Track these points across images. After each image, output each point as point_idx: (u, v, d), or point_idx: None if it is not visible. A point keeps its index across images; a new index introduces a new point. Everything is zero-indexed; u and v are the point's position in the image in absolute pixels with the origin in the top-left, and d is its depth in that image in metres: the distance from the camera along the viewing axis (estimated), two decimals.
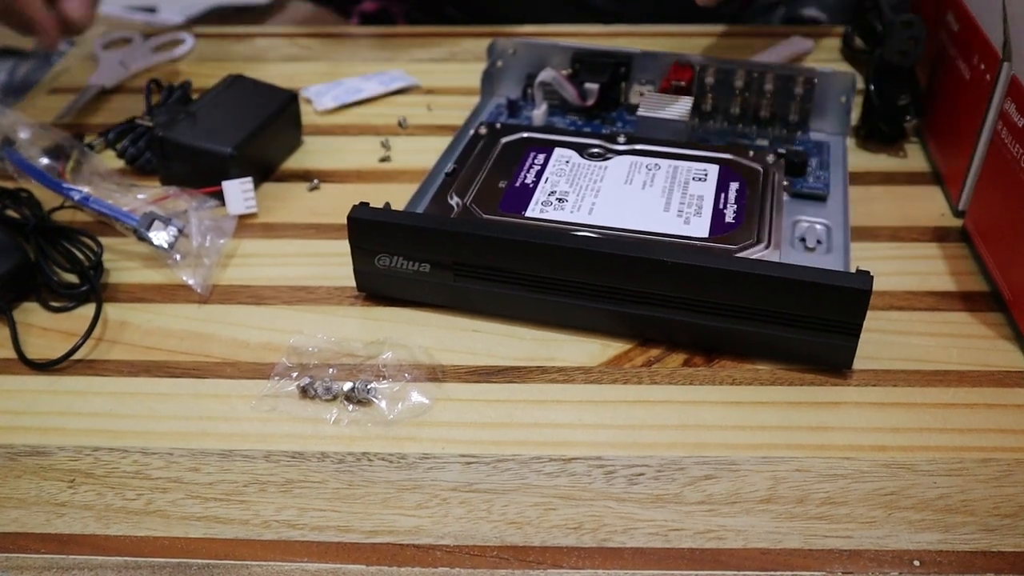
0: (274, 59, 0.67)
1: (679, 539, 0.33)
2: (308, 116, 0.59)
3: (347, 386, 0.39)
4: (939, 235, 0.48)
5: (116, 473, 0.36)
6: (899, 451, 0.36)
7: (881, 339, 0.41)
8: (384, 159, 0.55)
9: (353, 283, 0.44)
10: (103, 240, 0.47)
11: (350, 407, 0.38)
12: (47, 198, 0.51)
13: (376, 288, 0.44)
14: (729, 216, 0.43)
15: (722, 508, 0.34)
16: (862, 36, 0.64)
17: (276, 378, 0.40)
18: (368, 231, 0.42)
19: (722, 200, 0.44)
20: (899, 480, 0.35)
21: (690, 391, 0.39)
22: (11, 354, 0.42)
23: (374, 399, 0.38)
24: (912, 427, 0.37)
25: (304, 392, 0.39)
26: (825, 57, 0.66)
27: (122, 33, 0.70)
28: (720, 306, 0.39)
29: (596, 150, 0.48)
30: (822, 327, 0.39)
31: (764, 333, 0.39)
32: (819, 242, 0.46)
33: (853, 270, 0.39)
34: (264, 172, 0.54)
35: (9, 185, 0.51)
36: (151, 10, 1.42)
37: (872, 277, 0.37)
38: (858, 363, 0.40)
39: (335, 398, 0.39)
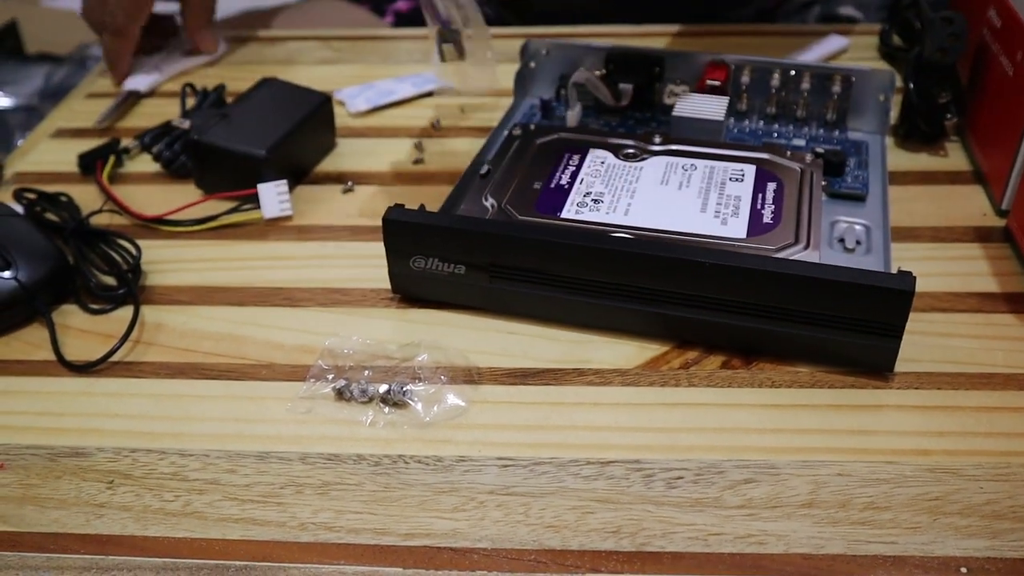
0: (307, 62, 0.67)
1: (719, 544, 0.33)
2: (341, 118, 0.59)
3: (383, 388, 0.39)
4: (982, 235, 0.47)
5: (154, 474, 0.36)
6: (943, 455, 0.35)
7: (923, 341, 0.41)
8: (417, 161, 0.55)
9: (388, 285, 0.44)
10: (141, 242, 0.48)
11: (386, 409, 0.38)
12: (86, 201, 0.52)
13: (411, 290, 0.44)
14: (767, 217, 0.43)
15: (762, 512, 0.34)
16: (900, 34, 0.63)
17: (312, 380, 0.40)
18: (403, 233, 0.42)
19: (759, 200, 0.44)
20: (944, 485, 0.34)
21: (728, 394, 0.39)
22: (50, 356, 0.42)
23: (410, 401, 0.38)
24: (956, 431, 0.36)
25: (340, 394, 0.39)
26: (862, 55, 0.65)
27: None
28: (759, 307, 0.39)
29: (631, 151, 0.48)
30: (863, 329, 0.38)
31: (804, 335, 0.39)
32: (858, 243, 0.45)
33: (894, 271, 0.38)
34: (298, 174, 0.54)
35: (50, 188, 0.52)
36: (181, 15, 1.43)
37: (915, 278, 0.37)
38: (899, 366, 0.39)
39: (371, 400, 0.39)
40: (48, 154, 0.58)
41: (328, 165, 0.56)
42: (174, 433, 0.38)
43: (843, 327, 0.38)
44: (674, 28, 0.69)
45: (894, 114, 0.54)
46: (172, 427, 0.38)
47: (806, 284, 0.38)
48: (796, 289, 0.38)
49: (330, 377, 0.40)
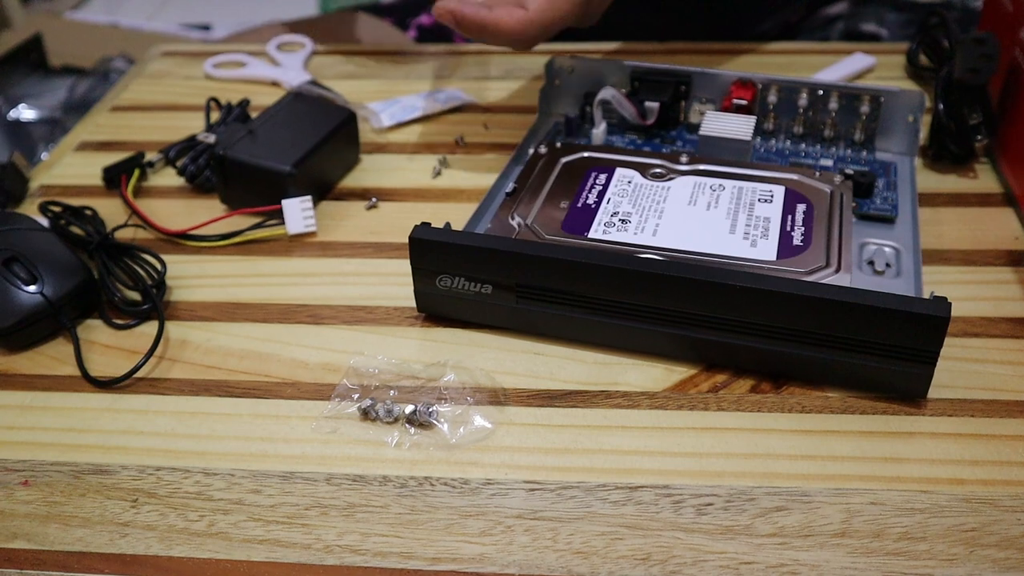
0: (331, 76, 0.67)
1: (750, 573, 0.32)
2: (366, 134, 0.59)
3: (408, 408, 0.38)
4: (1014, 259, 0.47)
5: (178, 493, 0.36)
6: (979, 485, 0.35)
7: (956, 367, 0.40)
8: (438, 174, 0.55)
9: (412, 303, 0.44)
10: (165, 257, 0.48)
11: (412, 430, 0.38)
12: (110, 215, 0.52)
13: (436, 309, 0.44)
14: (796, 239, 0.42)
15: (794, 541, 0.33)
16: (927, 53, 0.63)
17: (337, 399, 0.39)
18: (429, 252, 0.42)
19: (789, 222, 0.43)
20: (980, 516, 0.34)
21: (758, 418, 0.38)
22: (75, 371, 0.42)
23: (436, 422, 0.38)
24: (992, 460, 0.36)
25: (365, 414, 0.39)
26: (888, 75, 0.64)
27: (292, 37, 0.71)
28: (789, 331, 0.38)
29: (658, 170, 0.47)
30: (896, 355, 0.37)
31: (835, 360, 0.38)
32: (888, 265, 0.45)
33: (926, 295, 0.38)
34: (322, 190, 0.54)
35: (74, 201, 0.52)
36: (205, 28, 1.45)
37: (950, 304, 0.36)
38: (932, 392, 0.38)
39: (396, 420, 0.38)
40: (73, 167, 0.58)
41: (352, 181, 0.55)
42: (199, 451, 0.38)
43: (876, 352, 0.38)
44: (698, 45, 0.69)
45: (923, 135, 0.54)
46: (196, 445, 0.38)
47: (838, 308, 0.37)
48: (828, 313, 0.37)
49: (355, 397, 0.39)
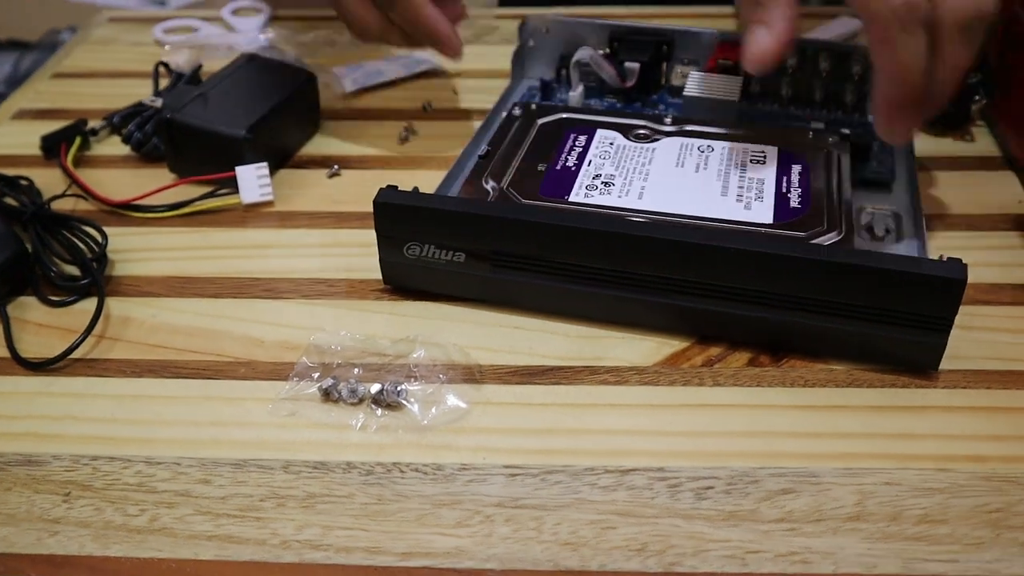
0: (291, 41, 0.63)
1: (758, 563, 0.29)
2: (328, 100, 0.55)
3: (375, 388, 0.35)
4: (1019, 223, 0.44)
5: (117, 485, 0.32)
6: (1000, 462, 0.32)
7: (966, 336, 0.37)
8: (404, 141, 0.51)
9: (378, 275, 0.40)
10: (108, 230, 0.44)
11: (378, 411, 0.34)
12: (49, 186, 0.47)
13: (405, 280, 0.40)
14: (794, 201, 0.39)
15: (805, 527, 0.30)
16: None
17: (295, 379, 0.36)
18: (397, 217, 0.38)
19: (784, 183, 0.40)
20: (1004, 495, 0.31)
21: (758, 393, 0.35)
22: (4, 352, 0.38)
23: (405, 402, 0.34)
24: (1013, 434, 0.33)
25: (327, 395, 0.35)
26: None
27: (248, 1, 0.67)
28: (790, 299, 0.35)
29: (642, 131, 0.44)
30: (907, 322, 0.34)
31: (839, 329, 0.35)
32: (887, 231, 0.42)
33: (933, 257, 0.35)
34: (280, 158, 0.50)
35: (9, 172, 0.48)
36: (161, 2, 1.38)
37: (965, 265, 0.33)
38: (944, 363, 0.35)
39: (361, 401, 0.35)
40: (8, 136, 0.54)
41: (312, 148, 0.52)
42: (141, 438, 0.34)
43: (884, 321, 0.35)
44: (681, 9, 0.66)
45: None
46: (139, 432, 0.34)
47: (843, 272, 0.34)
48: (832, 278, 0.34)
49: (316, 376, 0.36)
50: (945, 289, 0.33)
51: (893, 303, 0.34)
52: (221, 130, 0.46)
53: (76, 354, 0.37)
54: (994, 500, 0.31)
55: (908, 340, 0.35)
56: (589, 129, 0.44)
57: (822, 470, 0.32)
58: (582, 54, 0.51)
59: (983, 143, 0.51)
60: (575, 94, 0.51)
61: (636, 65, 0.51)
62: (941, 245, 0.42)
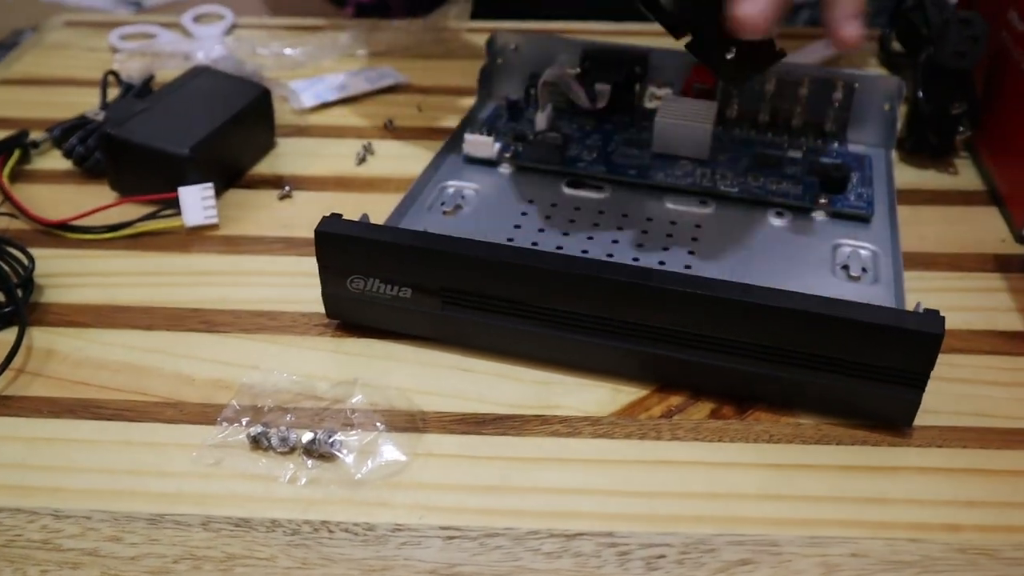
0: (250, 51, 0.60)
1: None
2: (285, 115, 0.53)
3: (306, 436, 0.32)
4: (1001, 264, 0.42)
5: (18, 542, 0.30)
6: (976, 532, 0.30)
7: (943, 388, 0.35)
8: (362, 161, 0.49)
9: (323, 309, 0.38)
10: (36, 252, 0.41)
11: (309, 463, 0.32)
12: None
13: (348, 315, 0.38)
14: None
15: None
16: (902, 39, 0.58)
17: (224, 424, 0.33)
18: (339, 248, 0.36)
19: None
20: (980, 570, 0.29)
21: (719, 450, 0.33)
22: None
23: (339, 453, 0.32)
24: (989, 500, 0.31)
25: (256, 443, 0.32)
26: (860, 59, 0.60)
27: (211, 8, 0.65)
28: (755, 347, 0.33)
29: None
30: (879, 376, 0.32)
31: (808, 381, 0.33)
32: (864, 270, 0.40)
33: (910, 305, 0.33)
34: (229, 177, 0.47)
35: None
36: (136, 3, 1.36)
37: (943, 319, 0.31)
38: (918, 417, 0.33)
39: (292, 451, 0.32)
40: None
41: (265, 167, 0.49)
42: (50, 488, 0.31)
43: (856, 374, 0.32)
44: (657, 27, 0.63)
45: (899, 126, 0.49)
46: (49, 480, 0.32)
47: (813, 322, 0.32)
48: (800, 327, 0.32)
49: (245, 421, 0.33)
50: (921, 344, 0.31)
51: (866, 356, 0.32)
52: (164, 147, 0.44)
53: None
54: (969, 575, 0.28)
55: (881, 395, 0.33)
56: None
57: (784, 538, 0.29)
58: (551, 73, 0.48)
59: (967, 176, 0.48)
60: (543, 115, 0.48)
61: (607, 87, 0.49)
62: (920, 287, 0.40)
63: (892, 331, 0.31)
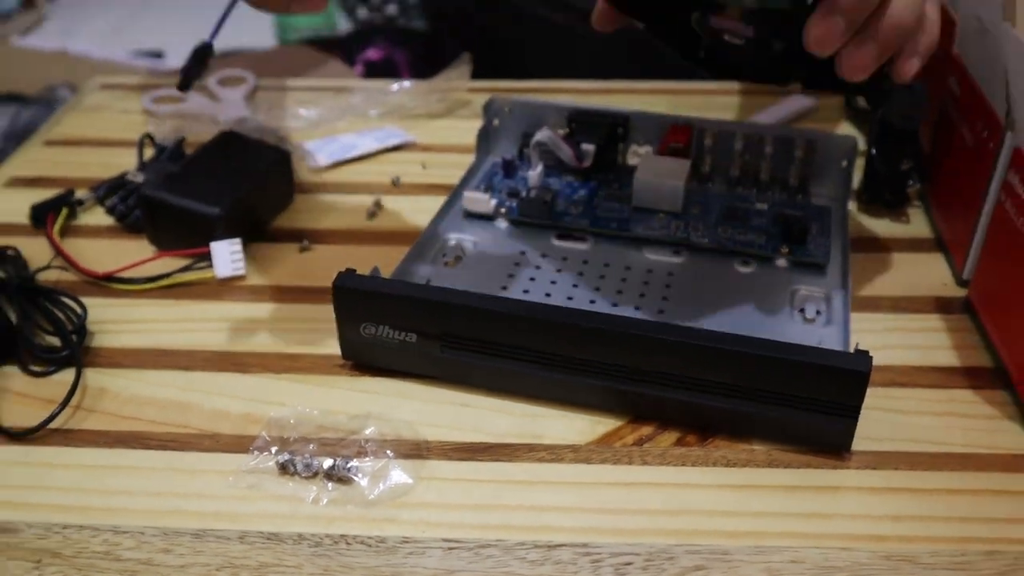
0: (271, 112, 0.66)
1: None
2: (302, 173, 0.58)
3: (327, 463, 0.37)
4: (942, 306, 0.47)
5: (85, 553, 0.35)
6: (899, 542, 0.35)
7: (882, 418, 0.40)
8: (372, 216, 0.55)
9: (339, 351, 0.43)
10: (89, 300, 0.46)
11: (330, 486, 0.37)
12: (37, 255, 0.50)
13: (362, 357, 0.43)
14: None
15: None
16: (865, 95, 0.63)
17: (255, 453, 0.38)
18: (353, 300, 0.41)
19: None
20: (900, 573, 0.33)
21: (682, 473, 0.38)
22: None
23: (354, 477, 0.37)
24: (914, 515, 0.36)
25: (283, 469, 0.38)
26: (829, 116, 0.65)
27: (233, 71, 0.70)
28: (714, 384, 0.38)
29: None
30: (819, 408, 0.37)
31: (760, 413, 0.38)
32: (818, 312, 0.45)
33: (853, 344, 0.38)
34: (254, 230, 0.53)
35: (0, 242, 0.51)
36: (157, 55, 1.43)
37: (871, 358, 0.36)
38: (858, 443, 0.38)
39: (315, 475, 0.37)
40: (1, 204, 0.57)
41: (285, 221, 0.55)
42: (109, 508, 0.37)
43: (799, 406, 0.37)
44: (638, 85, 0.69)
45: (857, 178, 0.54)
46: (107, 501, 0.37)
47: (760, 362, 0.37)
48: (751, 367, 0.37)
49: (274, 450, 0.38)
50: (852, 380, 0.36)
51: (807, 391, 0.37)
52: (197, 208, 0.49)
53: (53, 424, 0.40)
54: None
55: (821, 424, 0.38)
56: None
57: (734, 548, 0.34)
58: (541, 135, 0.54)
59: (917, 224, 0.54)
60: (535, 173, 0.54)
61: (592, 147, 0.54)
62: (867, 327, 0.45)
63: (828, 369, 0.36)
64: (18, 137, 0.82)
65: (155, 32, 1.52)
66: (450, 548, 0.35)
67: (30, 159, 0.62)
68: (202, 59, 0.38)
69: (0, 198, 0.58)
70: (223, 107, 0.66)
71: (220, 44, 0.74)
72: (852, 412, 0.37)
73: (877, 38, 0.39)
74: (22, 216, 0.54)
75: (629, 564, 0.34)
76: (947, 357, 0.44)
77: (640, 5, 0.48)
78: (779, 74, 0.47)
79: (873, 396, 0.37)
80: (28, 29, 1.47)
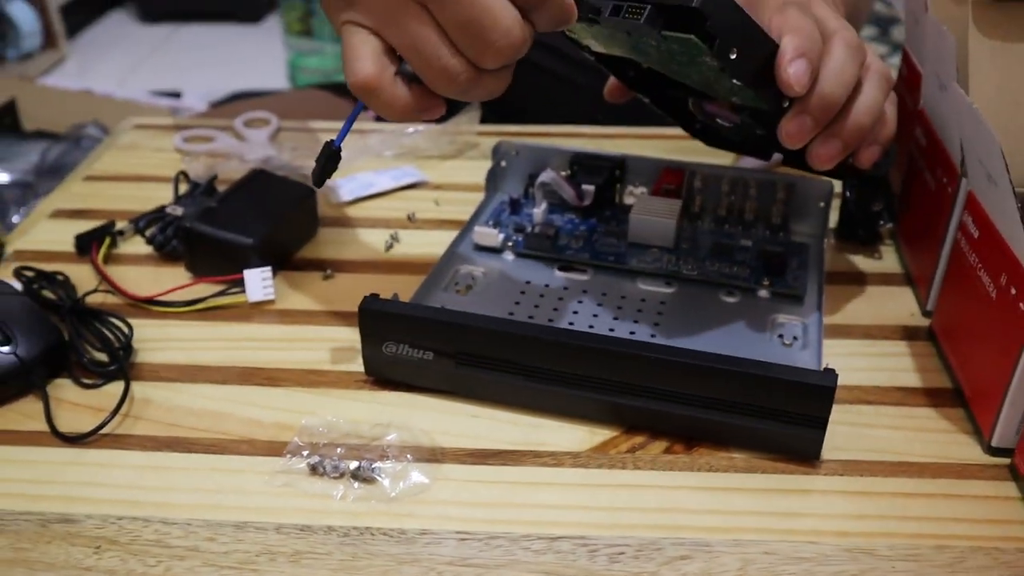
0: (293, 152, 0.71)
1: None
2: (325, 208, 0.63)
3: (353, 465, 0.42)
4: (908, 334, 0.52)
5: (138, 541, 0.39)
6: (860, 537, 0.39)
7: (850, 431, 0.44)
8: (390, 247, 0.59)
9: (362, 367, 0.48)
10: (132, 321, 0.51)
11: (356, 484, 0.42)
12: (81, 280, 0.55)
13: (383, 373, 0.48)
14: None
15: None
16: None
17: (288, 456, 0.43)
18: (377, 321, 0.46)
19: None
20: (860, 564, 0.38)
21: (670, 476, 0.42)
22: (44, 427, 0.45)
23: (378, 477, 0.42)
24: (874, 514, 0.40)
25: (314, 470, 0.42)
26: None
27: (257, 113, 0.75)
28: (699, 398, 0.43)
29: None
30: (792, 420, 0.42)
31: (740, 424, 0.43)
32: (795, 338, 0.50)
33: (824, 367, 0.42)
34: (282, 259, 0.58)
35: (47, 267, 0.55)
36: (176, 95, 1.49)
37: (836, 375, 0.41)
38: (828, 453, 0.43)
39: (342, 476, 0.42)
40: (46, 233, 0.62)
41: (310, 251, 0.60)
42: (158, 502, 0.41)
43: (775, 418, 0.42)
44: (636, 131, 0.74)
45: (834, 217, 0.59)
46: (156, 497, 0.41)
47: (740, 379, 0.42)
48: (732, 383, 0.42)
49: (305, 453, 0.43)
50: (820, 394, 0.41)
51: (781, 404, 0.42)
52: (232, 238, 0.54)
53: (105, 430, 0.45)
54: (851, 568, 0.38)
55: (794, 435, 0.42)
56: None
57: (714, 541, 0.39)
58: (545, 177, 0.59)
59: (889, 260, 0.59)
60: (539, 211, 0.59)
61: (592, 187, 0.59)
62: (838, 351, 0.50)
63: (799, 386, 0.41)
64: (48, 172, 0.87)
65: (172, 70, 1.58)
66: (463, 539, 0.39)
67: (72, 193, 0.67)
68: (333, 159, 0.43)
69: (46, 228, 0.63)
70: (249, 147, 0.71)
71: (238, 85, 0.79)
72: (821, 423, 0.42)
73: (842, 136, 0.46)
74: (67, 245, 0.59)
75: (621, 554, 0.38)
76: (911, 379, 0.48)
77: (646, 86, 0.54)
78: (762, 151, 0.53)
79: (842, 412, 0.42)
80: (50, 68, 1.53)
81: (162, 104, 1.29)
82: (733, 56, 0.42)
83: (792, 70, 0.42)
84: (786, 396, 0.41)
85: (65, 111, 1.14)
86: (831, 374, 0.41)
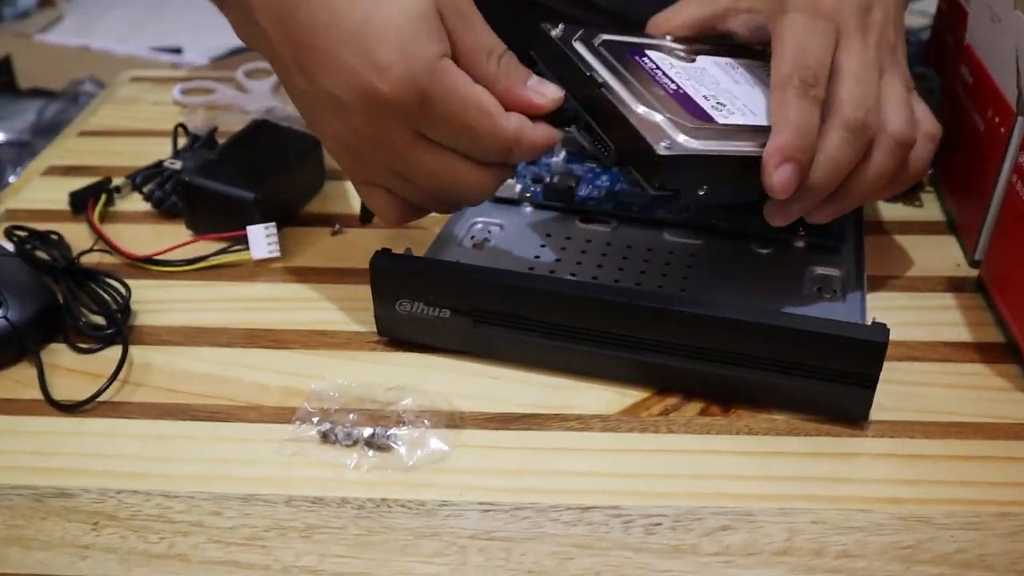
0: None
1: None
2: (329, 159, 0.60)
3: (367, 432, 0.39)
4: (954, 285, 0.49)
5: (139, 516, 0.37)
6: (915, 504, 0.36)
7: (897, 390, 0.41)
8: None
9: (373, 328, 0.45)
10: (131, 282, 0.48)
11: (370, 453, 0.39)
12: (77, 240, 0.52)
13: (396, 333, 0.45)
14: None
15: (739, 560, 0.34)
16: None
17: (298, 423, 0.40)
18: (389, 278, 0.43)
19: None
20: (916, 533, 0.35)
21: (707, 440, 0.39)
22: (38, 395, 0.42)
23: (394, 445, 0.39)
24: (928, 480, 0.37)
25: (325, 437, 0.39)
26: None
27: (259, 64, 0.72)
28: (737, 356, 0.40)
29: (680, 52, 0.47)
30: (838, 379, 0.39)
31: (781, 384, 0.40)
32: (835, 291, 0.47)
33: (869, 320, 0.39)
34: (287, 215, 0.55)
35: (40, 226, 0.52)
36: (176, 51, 1.45)
37: (888, 330, 0.38)
38: (874, 414, 0.40)
39: (355, 443, 0.39)
40: (40, 192, 0.59)
41: (316, 206, 0.56)
42: (160, 474, 0.38)
43: (819, 377, 0.39)
44: None
45: None
46: (158, 468, 0.39)
47: (783, 334, 0.39)
48: (773, 339, 0.39)
49: (316, 420, 0.40)
50: (870, 350, 0.38)
51: (827, 362, 0.39)
52: (233, 192, 0.51)
53: (102, 397, 0.42)
54: (907, 538, 0.35)
55: (840, 394, 0.39)
56: (639, 50, 0.46)
57: (758, 509, 0.36)
58: None
59: (930, 209, 0.55)
60: (558, 159, 0.56)
61: None
62: (881, 305, 0.47)
63: (847, 341, 0.38)
64: (45, 131, 0.84)
65: (172, 28, 1.54)
66: (486, 510, 0.36)
67: (66, 149, 0.64)
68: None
69: (39, 186, 0.60)
70: (251, 98, 0.68)
71: (239, 42, 0.76)
72: (870, 382, 0.39)
73: (821, 211, 0.43)
74: (61, 203, 0.56)
75: (658, 524, 0.36)
76: (959, 333, 0.45)
77: None
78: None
79: (888, 370, 0.39)
80: (48, 26, 1.50)
81: (162, 59, 1.25)
82: (702, 193, 0.41)
83: (777, 178, 0.39)
84: (832, 353, 0.38)
85: (62, 68, 1.11)
86: (882, 328, 0.38)
